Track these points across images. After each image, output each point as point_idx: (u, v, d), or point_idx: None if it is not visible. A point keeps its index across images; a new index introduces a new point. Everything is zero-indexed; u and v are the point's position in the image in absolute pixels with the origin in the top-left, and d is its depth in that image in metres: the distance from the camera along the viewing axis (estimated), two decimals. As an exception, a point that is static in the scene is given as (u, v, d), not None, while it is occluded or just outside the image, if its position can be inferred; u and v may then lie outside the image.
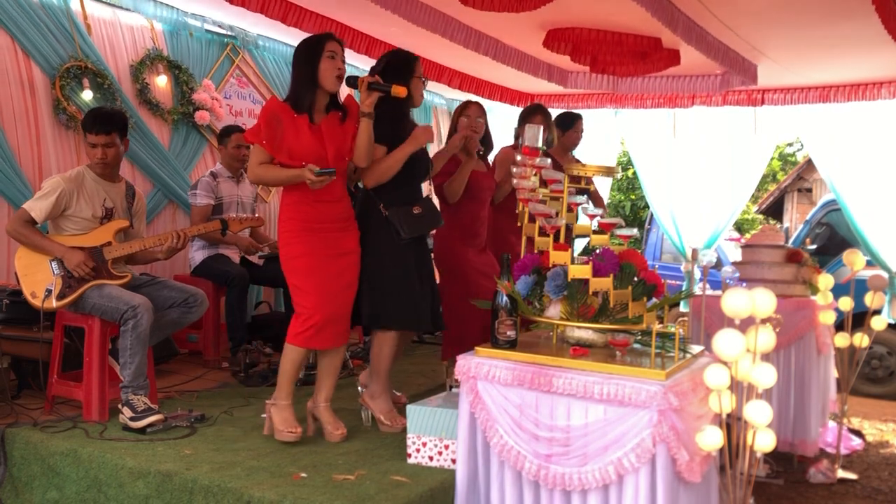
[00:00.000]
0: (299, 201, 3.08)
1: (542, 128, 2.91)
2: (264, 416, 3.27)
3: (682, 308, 6.05)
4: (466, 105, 3.99)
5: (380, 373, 3.39)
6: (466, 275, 3.81)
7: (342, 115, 3.16)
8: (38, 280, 3.38)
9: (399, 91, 3.10)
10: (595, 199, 5.25)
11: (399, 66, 3.37)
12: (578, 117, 5.16)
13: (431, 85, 6.83)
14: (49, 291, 3.35)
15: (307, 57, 3.06)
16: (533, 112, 4.59)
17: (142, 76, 5.06)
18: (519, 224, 2.86)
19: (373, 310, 3.28)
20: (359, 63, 6.56)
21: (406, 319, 3.33)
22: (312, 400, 3.26)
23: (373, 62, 5.33)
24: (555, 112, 5.13)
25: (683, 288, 7.42)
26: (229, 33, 5.68)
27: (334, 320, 3.10)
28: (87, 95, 4.65)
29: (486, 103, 7.36)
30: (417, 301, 3.33)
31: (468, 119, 3.92)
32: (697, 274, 4.95)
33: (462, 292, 3.67)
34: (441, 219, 3.53)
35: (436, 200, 3.99)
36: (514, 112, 7.47)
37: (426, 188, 3.69)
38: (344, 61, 3.10)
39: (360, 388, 3.55)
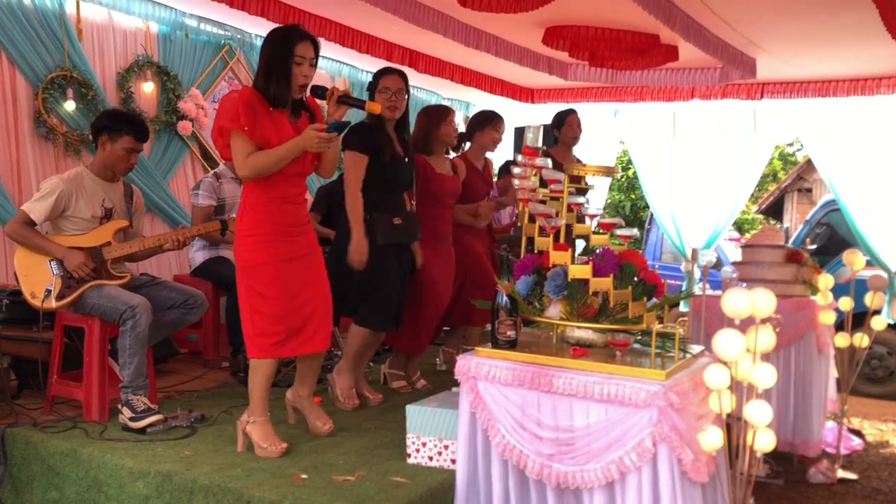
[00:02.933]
0: (266, 200, 2.90)
1: (541, 128, 2.92)
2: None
3: (682, 308, 6.05)
4: (448, 111, 4.07)
5: (348, 354, 3.67)
6: (428, 277, 3.91)
7: (310, 117, 3.06)
8: (38, 280, 3.37)
9: (373, 107, 3.04)
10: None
11: (373, 84, 3.62)
12: (569, 112, 5.12)
13: (430, 83, 6.83)
14: (48, 291, 3.35)
15: (280, 54, 2.86)
16: (489, 119, 4.51)
17: (127, 85, 5.05)
18: (518, 223, 2.87)
19: (354, 307, 3.62)
20: (360, 63, 6.58)
21: (381, 320, 3.63)
22: (293, 392, 3.30)
23: (375, 60, 5.38)
24: (554, 108, 5.13)
25: (683, 288, 7.42)
26: (226, 34, 5.68)
27: (300, 326, 2.97)
28: (70, 106, 4.65)
29: (484, 98, 7.40)
30: (394, 303, 3.61)
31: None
32: (697, 274, 4.95)
33: (415, 288, 3.88)
34: (418, 233, 3.70)
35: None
36: (511, 107, 7.48)
37: (409, 202, 3.76)
38: (313, 65, 2.91)
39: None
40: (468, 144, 4.53)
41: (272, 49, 2.89)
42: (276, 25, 4.50)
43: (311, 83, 2.95)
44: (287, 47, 2.85)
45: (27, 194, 4.40)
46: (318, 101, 3.07)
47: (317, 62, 2.94)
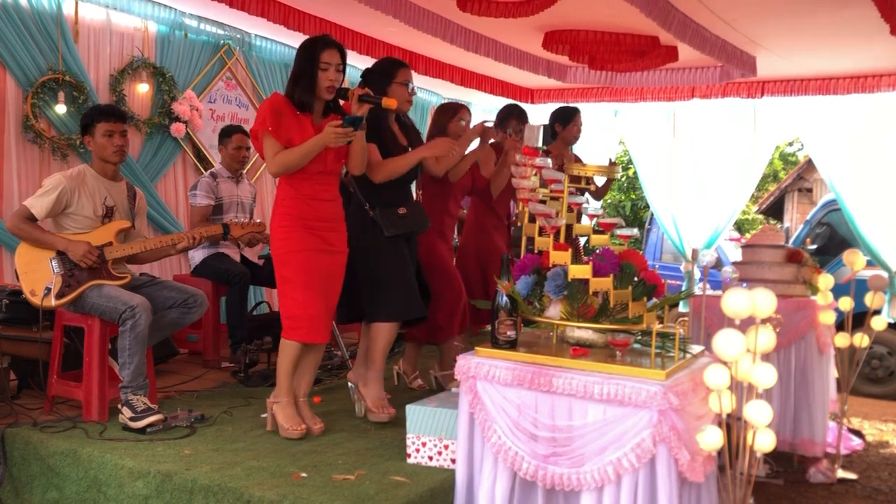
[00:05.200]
0: (296, 197, 3.14)
1: (541, 127, 2.92)
2: (264, 415, 3.30)
3: (682, 308, 6.05)
4: (458, 108, 4.10)
5: (375, 361, 3.49)
6: (441, 264, 3.92)
7: (341, 118, 3.19)
8: (38, 278, 3.37)
9: (389, 103, 3.17)
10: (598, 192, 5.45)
11: (378, 75, 3.51)
12: (576, 111, 5.13)
13: (430, 83, 6.83)
14: (48, 290, 3.34)
15: (307, 62, 3.10)
16: (509, 114, 4.60)
17: (120, 87, 5.03)
18: (518, 223, 2.87)
19: (371, 304, 3.44)
20: (360, 64, 6.58)
21: (401, 309, 3.45)
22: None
23: (375, 61, 5.38)
24: (553, 108, 5.14)
25: (683, 288, 7.43)
26: (225, 34, 5.67)
27: (323, 315, 3.17)
28: (61, 109, 4.64)
29: (477, 97, 7.41)
30: (410, 290, 3.47)
31: (465, 122, 4.08)
32: (697, 274, 4.95)
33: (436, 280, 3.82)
34: (428, 222, 3.64)
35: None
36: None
37: (415, 193, 3.79)
38: (340, 70, 3.13)
39: (350, 385, 3.62)
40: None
41: (301, 58, 3.13)
42: (276, 25, 4.58)
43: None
44: (313, 54, 3.09)
45: (8, 198, 4.41)
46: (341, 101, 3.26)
47: (344, 68, 3.16)
